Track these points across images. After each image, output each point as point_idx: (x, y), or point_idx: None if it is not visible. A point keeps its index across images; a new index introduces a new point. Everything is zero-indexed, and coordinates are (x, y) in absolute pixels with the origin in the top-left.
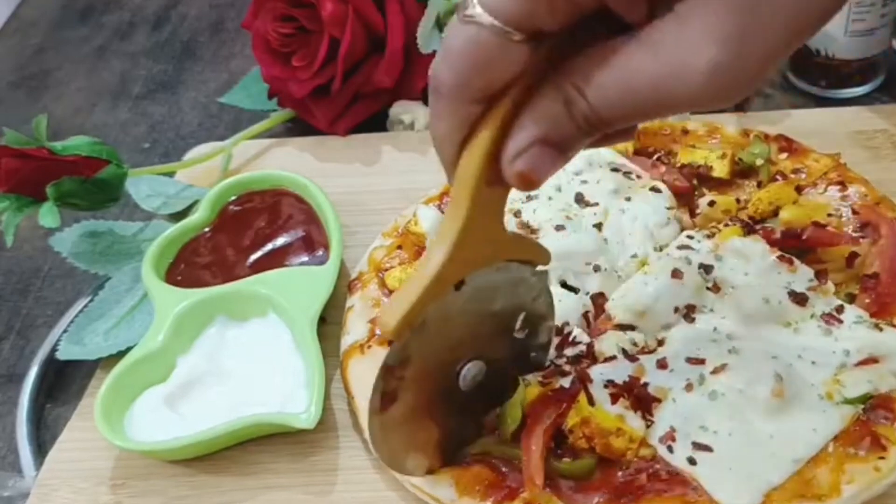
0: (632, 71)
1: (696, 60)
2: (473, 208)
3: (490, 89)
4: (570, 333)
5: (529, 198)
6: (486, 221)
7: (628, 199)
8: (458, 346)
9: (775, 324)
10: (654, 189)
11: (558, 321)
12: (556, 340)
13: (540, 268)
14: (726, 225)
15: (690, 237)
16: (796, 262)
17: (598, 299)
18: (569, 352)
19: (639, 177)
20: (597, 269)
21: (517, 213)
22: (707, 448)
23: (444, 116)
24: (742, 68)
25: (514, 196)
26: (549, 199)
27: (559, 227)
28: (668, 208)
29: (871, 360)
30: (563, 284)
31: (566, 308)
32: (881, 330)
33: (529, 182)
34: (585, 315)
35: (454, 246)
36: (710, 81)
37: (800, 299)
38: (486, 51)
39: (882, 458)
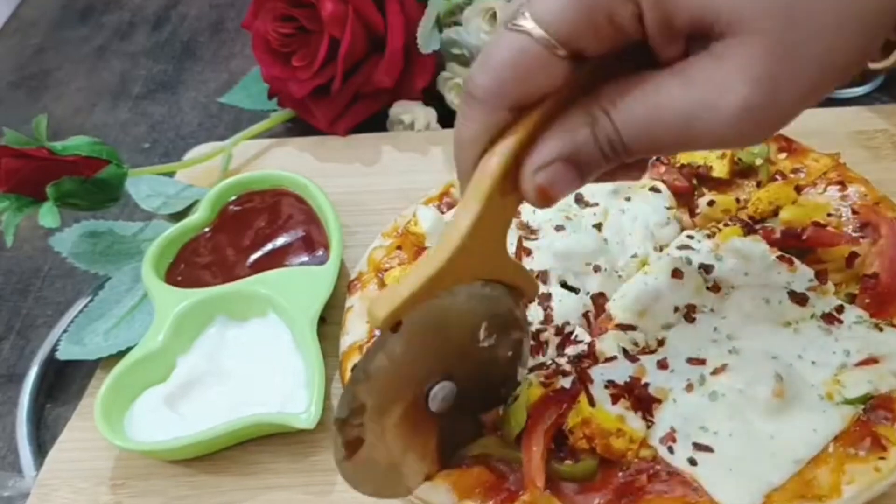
0: (661, 101)
1: (728, 98)
2: (484, 214)
3: (525, 100)
4: (571, 332)
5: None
6: (491, 232)
7: (628, 199)
8: (426, 363)
9: (775, 324)
10: (654, 189)
11: (559, 321)
12: (556, 340)
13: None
14: (726, 225)
15: (690, 237)
16: (796, 262)
17: (599, 299)
18: (570, 351)
19: None
20: (597, 269)
21: (516, 214)
22: (707, 449)
23: (474, 119)
24: (773, 109)
25: None
26: None
27: (559, 228)
28: (668, 208)
29: (872, 361)
30: (563, 285)
31: (567, 308)
32: (881, 330)
33: (545, 197)
34: (586, 315)
35: (458, 249)
36: (740, 120)
37: (800, 299)
38: (529, 61)
39: (882, 458)
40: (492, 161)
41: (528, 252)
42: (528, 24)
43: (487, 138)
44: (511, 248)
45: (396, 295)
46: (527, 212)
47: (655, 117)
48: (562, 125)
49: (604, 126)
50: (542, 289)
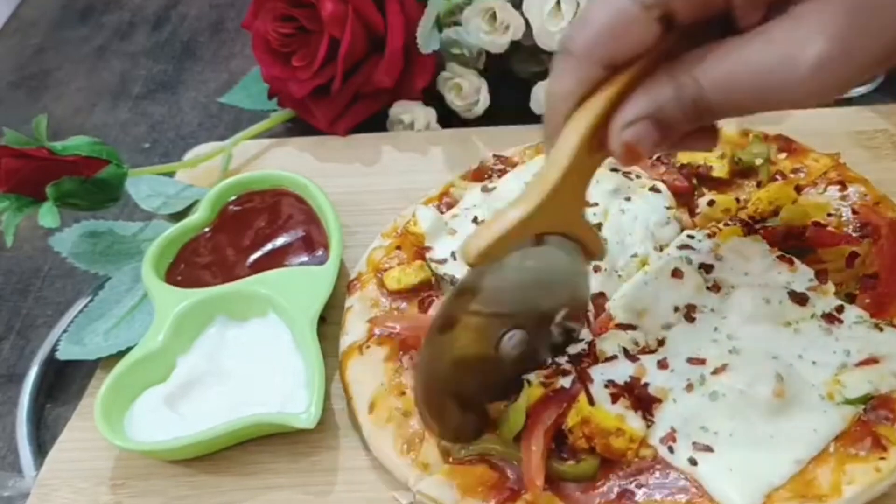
0: (742, 62)
1: (804, 53)
2: (572, 167)
3: (618, 58)
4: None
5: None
6: (575, 186)
7: (628, 198)
8: (512, 306)
9: (776, 324)
10: (654, 189)
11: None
12: None
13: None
14: (726, 224)
15: (691, 237)
16: (796, 261)
17: (598, 299)
18: (571, 350)
19: (638, 177)
20: (596, 269)
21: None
22: (708, 448)
23: (569, 75)
24: (847, 64)
25: (513, 196)
26: None
27: None
28: (668, 208)
29: (872, 361)
30: None
31: None
32: (881, 330)
33: (631, 153)
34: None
35: (548, 195)
36: (816, 74)
37: (800, 299)
38: (626, 20)
39: (883, 458)
40: (583, 116)
41: None
42: None
43: (580, 94)
44: None
45: (488, 234)
46: None
47: (736, 76)
48: (648, 86)
49: (687, 86)
50: None
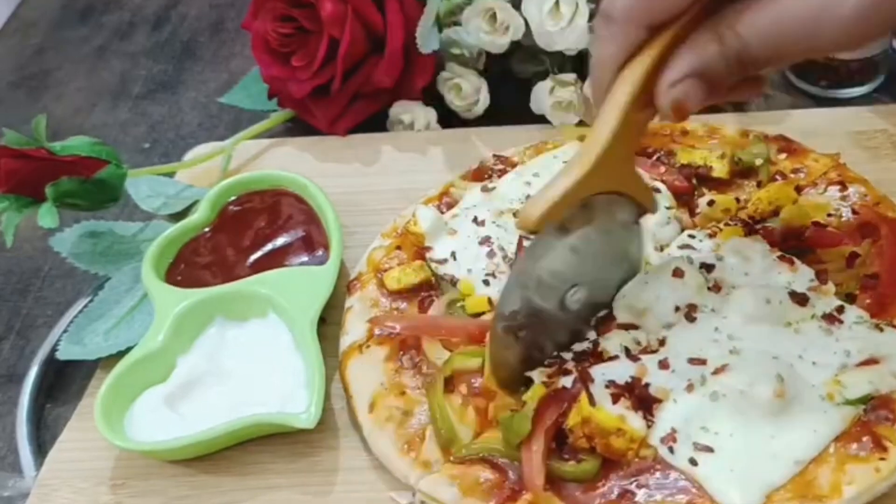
0: (782, 11)
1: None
2: (622, 126)
3: (659, 18)
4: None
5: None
6: (625, 145)
7: None
8: (578, 265)
9: (776, 324)
10: (654, 189)
11: None
12: None
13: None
14: (727, 224)
15: (692, 236)
16: (797, 262)
17: None
18: (576, 347)
19: None
20: None
21: (515, 214)
22: (708, 449)
23: (612, 39)
24: (886, 8)
25: (512, 196)
26: None
27: None
28: (668, 208)
29: (872, 361)
30: None
31: None
32: (882, 330)
33: (680, 110)
34: None
35: (600, 156)
36: (859, 17)
37: (800, 299)
38: None
39: (883, 458)
40: (629, 76)
41: None
42: None
43: (624, 56)
44: (511, 248)
45: (545, 200)
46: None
47: (779, 26)
48: (692, 44)
49: (731, 40)
50: None
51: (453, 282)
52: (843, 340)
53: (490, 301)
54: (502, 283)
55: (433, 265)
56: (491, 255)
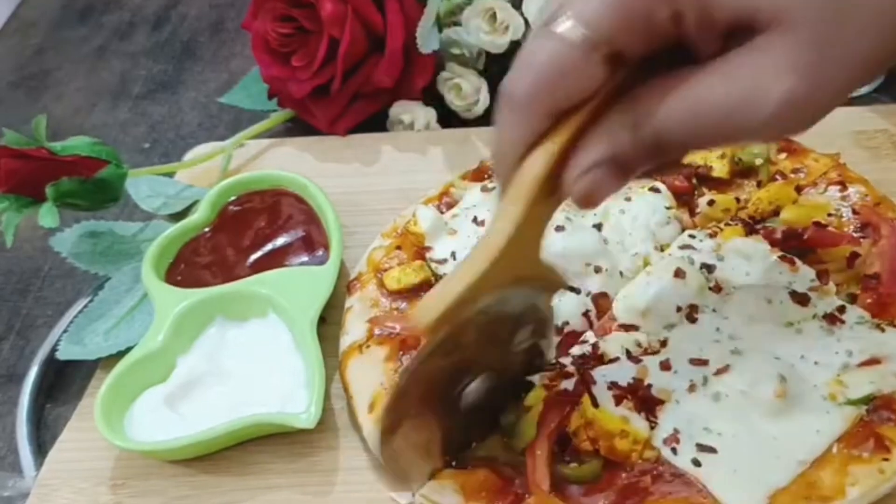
0: (701, 96)
1: (771, 88)
2: (526, 217)
3: (565, 104)
4: (574, 332)
5: None
6: (531, 233)
7: (628, 199)
8: (463, 361)
9: (777, 324)
10: (654, 189)
11: (558, 321)
12: (556, 339)
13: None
14: (727, 224)
15: (692, 236)
16: (798, 262)
17: (602, 300)
18: (575, 350)
19: None
20: (598, 270)
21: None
22: (711, 450)
23: (514, 125)
24: (816, 99)
25: None
26: None
27: (559, 228)
28: (668, 208)
29: (874, 361)
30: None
31: (567, 308)
32: (883, 331)
33: (589, 200)
34: (586, 314)
35: (501, 253)
36: (783, 110)
37: (801, 299)
38: (569, 64)
39: (886, 459)
40: (533, 166)
41: None
42: (567, 24)
43: (528, 142)
44: None
45: (441, 301)
46: None
47: (696, 114)
48: (602, 129)
49: (643, 127)
50: None
51: None
52: (845, 340)
53: None
54: None
55: (433, 265)
56: None
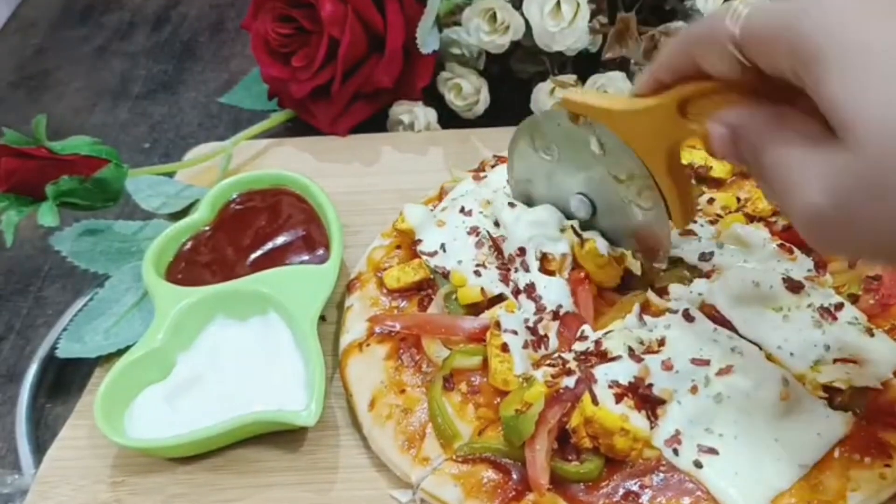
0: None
1: (799, 198)
2: (658, 109)
3: (702, 66)
4: (570, 314)
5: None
6: (663, 128)
7: None
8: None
9: (765, 307)
10: None
11: (552, 306)
12: (555, 325)
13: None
14: (729, 213)
15: (694, 221)
16: (796, 251)
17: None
18: (577, 347)
19: None
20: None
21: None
22: (713, 451)
23: (667, 53)
24: (842, 230)
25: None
26: None
27: None
28: None
29: (851, 361)
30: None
31: (554, 292)
32: (872, 335)
33: (710, 143)
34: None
35: (632, 108)
36: (802, 220)
37: (794, 286)
38: (708, 44)
39: (887, 465)
40: (671, 91)
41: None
42: (731, 19)
43: (672, 69)
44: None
45: (587, 97)
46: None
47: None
48: (746, 110)
49: (753, 141)
50: (525, 278)
51: (445, 274)
52: (829, 336)
53: (483, 291)
54: (493, 274)
55: (424, 258)
56: (479, 245)
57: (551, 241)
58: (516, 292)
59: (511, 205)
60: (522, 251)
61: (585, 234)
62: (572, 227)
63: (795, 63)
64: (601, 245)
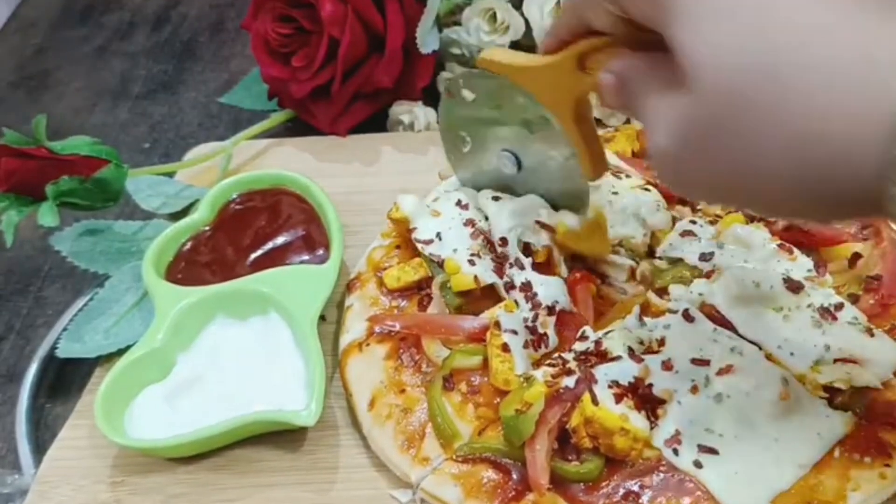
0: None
1: (653, 136)
2: (561, 65)
3: (591, 24)
4: (565, 311)
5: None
6: (565, 83)
7: (615, 193)
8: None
9: (765, 307)
10: (643, 188)
11: (548, 303)
12: (552, 321)
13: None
14: (728, 213)
15: (693, 222)
16: (796, 251)
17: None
18: (577, 346)
19: (628, 176)
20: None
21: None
22: (713, 451)
23: (562, 17)
24: (680, 166)
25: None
26: None
27: None
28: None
29: (851, 361)
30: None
31: (550, 290)
32: (872, 335)
33: (599, 87)
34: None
35: (545, 64)
36: (652, 162)
37: (794, 286)
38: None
39: (887, 465)
40: (570, 47)
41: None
42: None
43: (569, 29)
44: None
45: (496, 55)
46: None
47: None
48: (630, 57)
49: (631, 88)
50: (520, 276)
51: (440, 263)
52: (829, 336)
53: (476, 279)
54: (487, 263)
55: (420, 246)
56: (475, 235)
57: (532, 232)
58: (510, 287)
59: (495, 198)
60: (504, 241)
61: (549, 221)
62: (537, 221)
63: (655, 10)
64: (569, 220)
